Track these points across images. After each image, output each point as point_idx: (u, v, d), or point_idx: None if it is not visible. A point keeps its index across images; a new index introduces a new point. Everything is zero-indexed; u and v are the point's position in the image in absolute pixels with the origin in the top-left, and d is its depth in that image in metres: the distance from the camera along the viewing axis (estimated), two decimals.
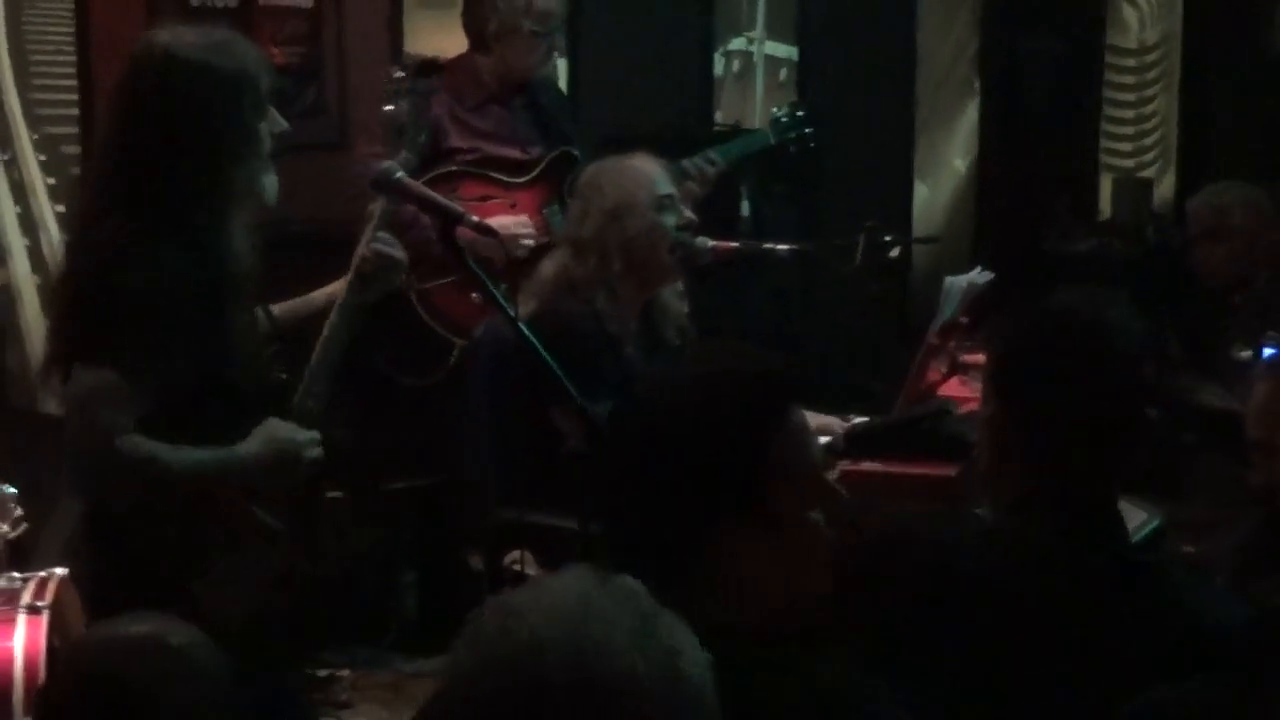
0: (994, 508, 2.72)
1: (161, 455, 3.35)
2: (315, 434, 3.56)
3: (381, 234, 3.82)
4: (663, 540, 2.19)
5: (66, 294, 3.51)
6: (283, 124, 3.59)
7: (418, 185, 3.81)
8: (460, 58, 5.66)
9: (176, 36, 3.51)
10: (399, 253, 3.83)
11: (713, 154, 5.62)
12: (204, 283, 3.43)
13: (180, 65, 3.47)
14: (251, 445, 3.48)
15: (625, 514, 2.31)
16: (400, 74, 4.19)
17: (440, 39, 6.38)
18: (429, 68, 4.23)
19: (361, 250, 3.80)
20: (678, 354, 4.70)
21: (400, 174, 3.77)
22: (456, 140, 5.47)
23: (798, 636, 2.22)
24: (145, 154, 3.45)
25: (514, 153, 5.52)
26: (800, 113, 5.96)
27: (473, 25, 5.57)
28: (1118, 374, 2.64)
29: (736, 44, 7.26)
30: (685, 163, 5.51)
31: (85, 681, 2.54)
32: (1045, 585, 2.53)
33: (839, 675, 2.17)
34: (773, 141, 5.94)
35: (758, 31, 7.30)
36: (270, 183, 3.56)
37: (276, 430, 3.52)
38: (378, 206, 3.87)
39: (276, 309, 3.79)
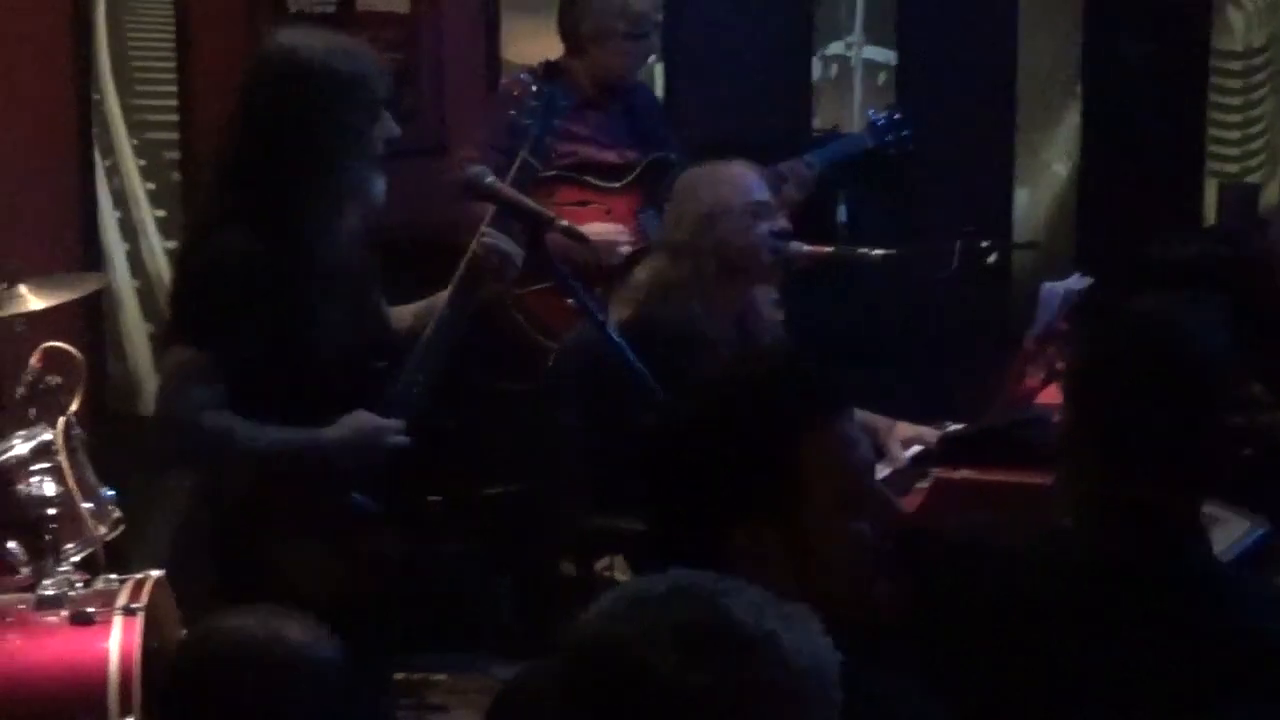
0: (1071, 517, 2.67)
1: (241, 430, 3.54)
2: (400, 423, 3.65)
3: (491, 229, 3.86)
4: (692, 542, 2.19)
5: (174, 275, 3.67)
6: (395, 130, 3.69)
7: (508, 189, 3.82)
8: (557, 61, 5.67)
9: (296, 38, 3.66)
10: (510, 247, 3.87)
11: (810, 158, 5.60)
12: (299, 275, 3.60)
13: (297, 65, 3.62)
14: (335, 429, 3.64)
15: (659, 514, 2.30)
16: (530, 80, 4.21)
17: (535, 45, 6.38)
18: (552, 70, 4.26)
19: (473, 246, 3.85)
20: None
21: (491, 178, 3.79)
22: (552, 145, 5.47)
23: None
24: (258, 149, 3.63)
25: (610, 157, 5.51)
26: (897, 115, 5.92)
27: (568, 28, 5.58)
28: (1195, 381, 2.58)
29: (835, 48, 7.22)
30: (782, 166, 5.50)
31: (203, 673, 2.59)
32: (1119, 598, 2.49)
33: (877, 682, 2.14)
34: (870, 145, 5.91)
35: (856, 36, 7.26)
36: (379, 185, 3.68)
37: (361, 417, 3.66)
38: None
39: (397, 311, 3.92)
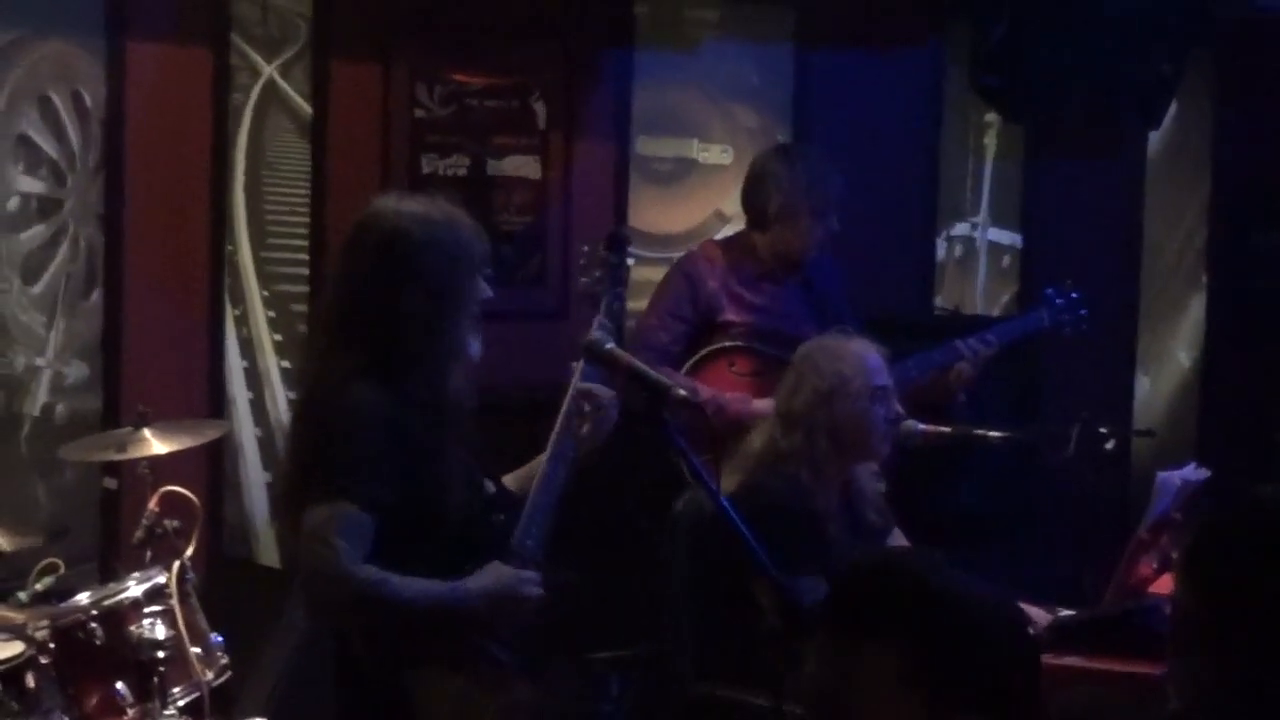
0: (1180, 702, 2.63)
1: (394, 583, 3.57)
2: (536, 574, 3.69)
3: (586, 374, 3.92)
4: None
5: (299, 436, 3.73)
6: (488, 292, 3.75)
7: (626, 355, 3.86)
8: (738, 234, 5.76)
9: (399, 204, 3.72)
10: (604, 391, 3.91)
11: (989, 335, 5.59)
12: (422, 429, 3.65)
13: (399, 232, 3.69)
14: (479, 580, 3.67)
15: None
16: (589, 248, 4.28)
17: (663, 215, 6.48)
18: (619, 241, 4.32)
19: (565, 402, 3.91)
20: (881, 536, 4.67)
21: (610, 344, 3.83)
22: (731, 314, 5.52)
23: None
24: (365, 310, 3.70)
25: (785, 329, 5.54)
26: (1075, 294, 5.89)
27: (753, 203, 5.64)
28: None
29: (960, 229, 7.25)
30: (959, 343, 5.51)
31: None
32: None
33: None
34: (1047, 325, 5.88)
35: (981, 217, 7.29)
36: (475, 343, 3.72)
37: (500, 567, 3.71)
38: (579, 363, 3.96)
39: (509, 477, 3.98)
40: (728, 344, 5.50)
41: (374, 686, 3.66)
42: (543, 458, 3.96)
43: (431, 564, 3.63)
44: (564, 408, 3.94)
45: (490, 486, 3.90)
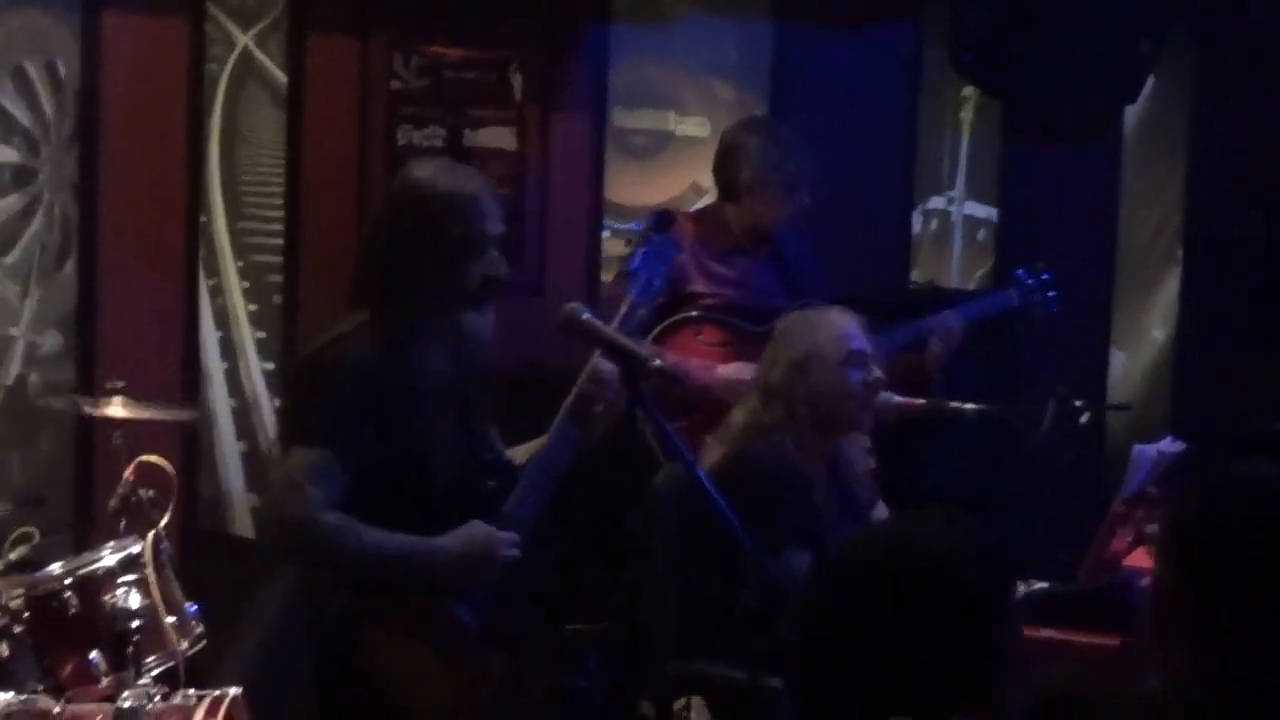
0: (1157, 680, 2.63)
1: (357, 530, 3.60)
2: (515, 536, 3.69)
3: (602, 373, 3.93)
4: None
5: (293, 389, 3.77)
6: (503, 267, 3.77)
7: (605, 327, 3.86)
8: (709, 206, 5.78)
9: (423, 171, 3.85)
10: (613, 389, 3.93)
11: (957, 313, 5.60)
12: (409, 389, 3.72)
13: (421, 194, 3.81)
14: (450, 538, 3.71)
15: (829, 684, 2.26)
16: (638, 227, 4.30)
17: (639, 188, 6.46)
18: (666, 221, 4.34)
19: (582, 379, 3.92)
20: (866, 511, 4.68)
21: (587, 314, 3.82)
22: (699, 285, 5.53)
23: None
24: (373, 270, 3.81)
25: (755, 302, 5.55)
26: (1046, 275, 5.90)
27: (723, 175, 5.65)
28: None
29: (936, 203, 7.25)
30: (929, 321, 5.52)
31: None
32: None
33: None
34: (1017, 304, 5.89)
35: (958, 191, 7.28)
36: (476, 318, 3.85)
37: (475, 529, 3.74)
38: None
39: (519, 449, 4.03)
40: (695, 314, 5.50)
41: (338, 646, 3.67)
42: (545, 438, 3.98)
43: (415, 525, 3.65)
44: (574, 391, 3.95)
45: (489, 454, 3.91)
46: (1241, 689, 2.50)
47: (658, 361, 3.72)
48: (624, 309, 4.10)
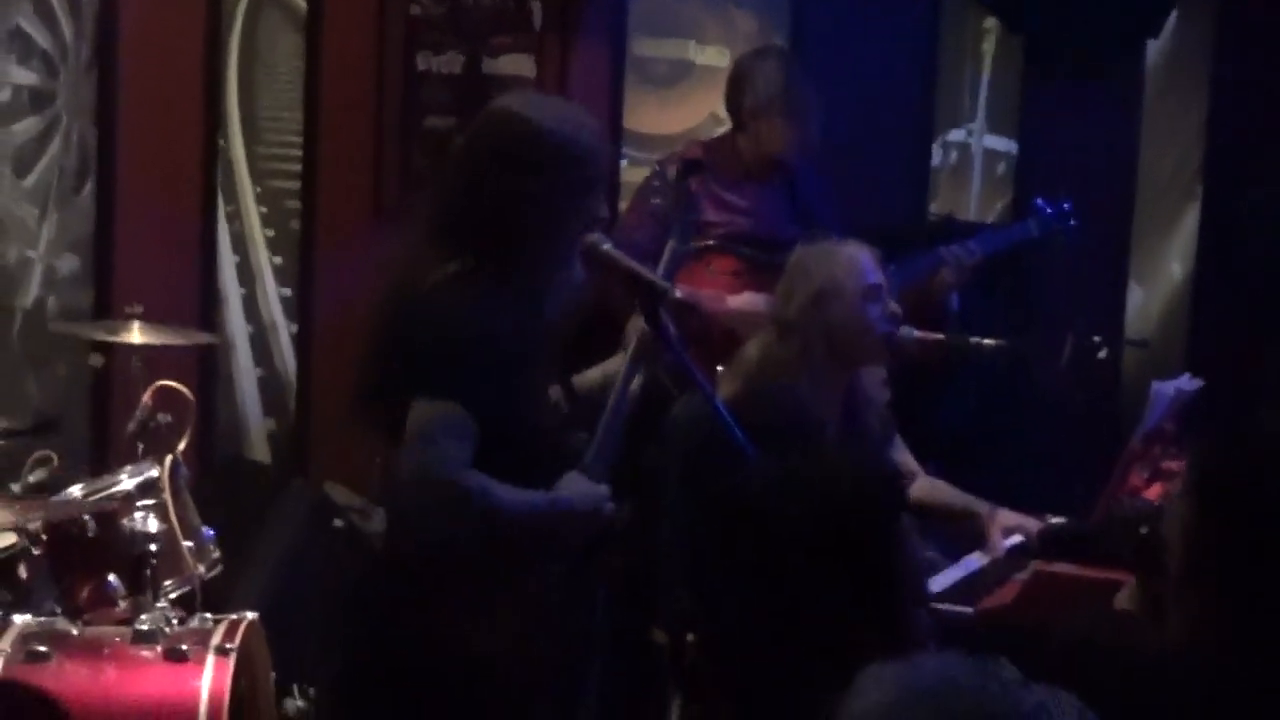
0: (1180, 618, 2.62)
1: (498, 490, 3.51)
2: (608, 490, 3.69)
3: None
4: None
5: (399, 331, 3.62)
6: (604, 211, 3.75)
7: (624, 257, 3.83)
8: (722, 136, 5.78)
9: (528, 105, 3.69)
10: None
11: (973, 244, 5.57)
12: (529, 336, 3.59)
13: (529, 133, 3.61)
14: (564, 495, 3.62)
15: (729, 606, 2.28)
16: (662, 169, 4.26)
17: (658, 117, 6.44)
18: (693, 167, 4.30)
19: (641, 327, 3.86)
20: (881, 446, 4.68)
21: (607, 245, 3.80)
22: (710, 214, 5.51)
23: None
24: (480, 210, 3.60)
25: (766, 232, 5.55)
26: (1067, 205, 5.86)
27: (732, 103, 5.66)
28: None
29: (955, 135, 7.23)
30: (943, 251, 5.50)
31: None
32: (1228, 715, 2.44)
33: None
34: (1036, 235, 5.86)
35: (978, 124, 7.27)
36: (580, 263, 3.70)
37: (583, 481, 3.66)
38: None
39: (581, 377, 3.99)
40: (706, 244, 5.50)
41: (419, 608, 3.60)
42: (611, 364, 3.95)
43: (517, 475, 3.57)
44: (635, 339, 3.89)
45: (564, 403, 3.87)
46: (1265, 638, 2.50)
47: (678, 292, 3.70)
48: (666, 256, 4.01)
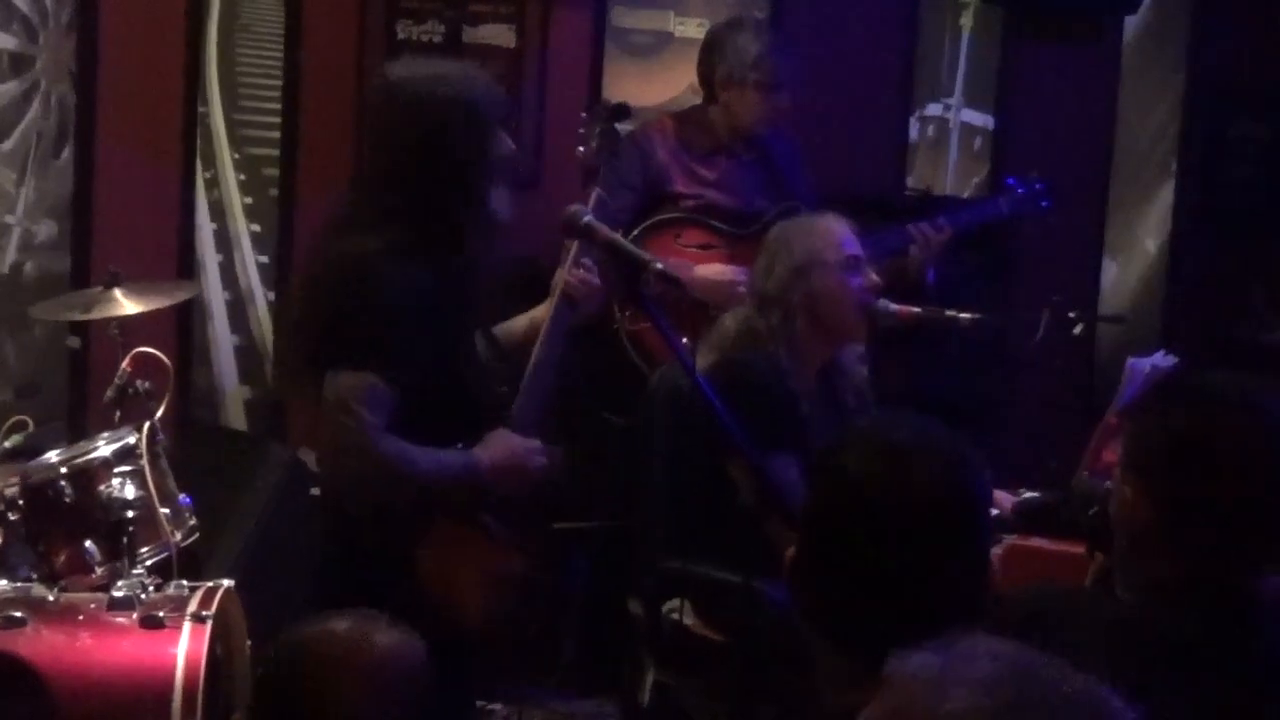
0: (1129, 591, 2.64)
1: (414, 454, 3.56)
2: (540, 444, 3.68)
3: (584, 260, 3.91)
4: (868, 630, 2.17)
5: (320, 302, 3.68)
6: (511, 146, 3.72)
7: (606, 230, 3.85)
8: (694, 107, 5.78)
9: (415, 69, 3.68)
10: (596, 279, 3.92)
11: (942, 220, 5.58)
12: (446, 297, 3.63)
13: (422, 99, 3.66)
14: (490, 451, 3.67)
15: (821, 588, 2.26)
16: (589, 117, 4.26)
17: (639, 88, 6.44)
18: (620, 112, 4.31)
19: (565, 275, 3.89)
20: (855, 417, 4.69)
21: (589, 218, 3.82)
22: (681, 186, 5.53)
23: None
24: (398, 181, 3.66)
25: (737, 204, 5.55)
26: (1039, 185, 5.87)
27: (704, 75, 5.66)
28: (1268, 462, 2.54)
29: (933, 109, 7.23)
30: (913, 228, 5.50)
31: (292, 673, 2.66)
32: (1180, 678, 2.45)
33: None
34: (1006, 213, 5.87)
35: (955, 98, 7.27)
36: (503, 200, 3.70)
37: (509, 439, 3.71)
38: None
39: (505, 326, 4.01)
40: (676, 215, 5.50)
41: (369, 562, 3.64)
42: (537, 311, 3.97)
43: (440, 435, 3.62)
44: (559, 286, 3.92)
45: (488, 355, 3.89)
46: (1223, 601, 2.52)
47: (659, 265, 3.71)
48: (592, 202, 4.04)
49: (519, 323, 4.01)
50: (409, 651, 2.68)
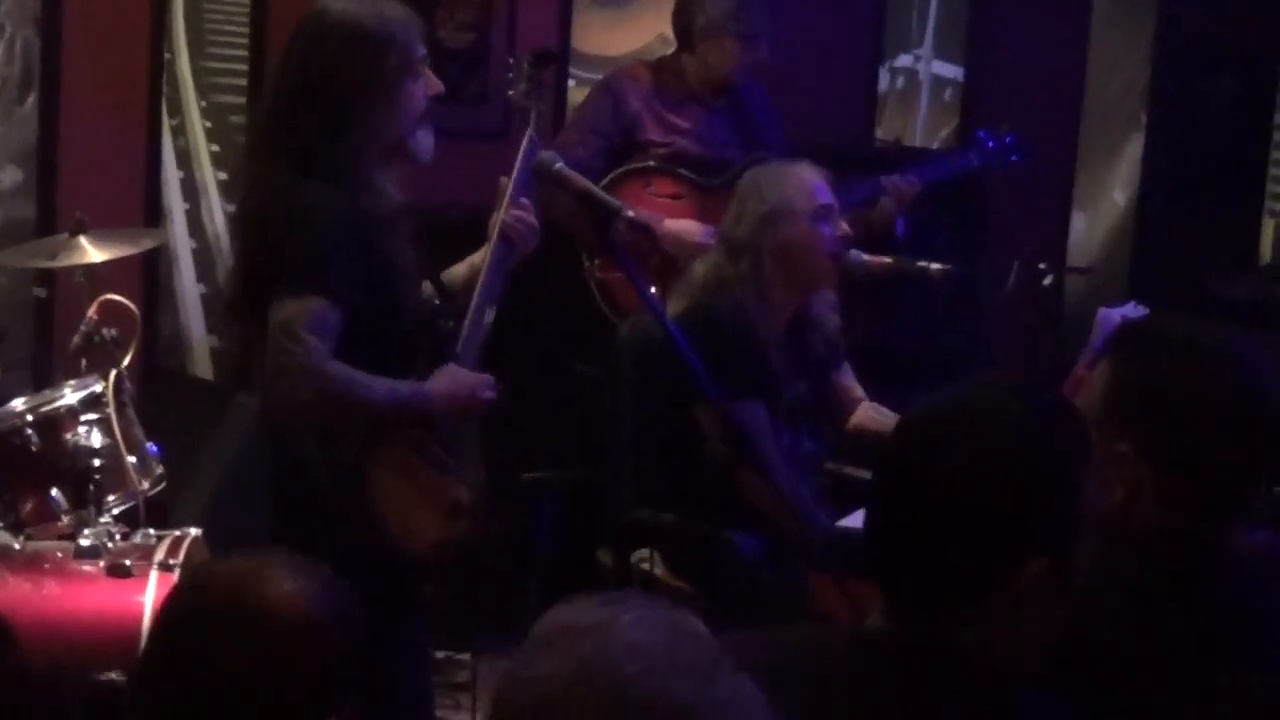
0: (1121, 540, 2.63)
1: (361, 380, 3.56)
2: (490, 377, 3.69)
3: (521, 200, 3.90)
4: (952, 576, 2.16)
5: (253, 237, 3.70)
6: (438, 85, 3.72)
7: (577, 176, 3.84)
8: (668, 56, 5.77)
9: (331, 4, 3.69)
10: (533, 218, 3.91)
11: (913, 174, 5.57)
12: (374, 231, 3.64)
13: (330, 26, 3.68)
14: (439, 383, 3.69)
15: (907, 541, 2.25)
16: (515, 62, 4.23)
17: (609, 37, 6.41)
18: (545, 58, 4.29)
19: (501, 216, 3.88)
20: (826, 369, 4.69)
21: (560, 164, 3.81)
22: (653, 134, 5.52)
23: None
24: (296, 105, 3.67)
25: (708, 154, 5.54)
26: (1010, 139, 5.86)
27: (680, 24, 5.64)
28: (1254, 415, 2.52)
29: (903, 61, 7.22)
30: (884, 180, 5.49)
31: (187, 606, 2.29)
32: (1153, 627, 2.46)
33: None
34: (975, 166, 5.86)
35: (925, 50, 7.25)
36: (424, 140, 3.69)
37: (459, 371, 3.72)
38: (510, 177, 3.93)
39: (449, 272, 3.99)
40: (647, 164, 5.49)
41: (321, 488, 3.64)
42: (476, 257, 3.96)
43: (383, 367, 3.63)
44: (499, 221, 3.91)
45: (432, 290, 3.89)
46: (1191, 550, 2.52)
47: (630, 213, 3.70)
48: (524, 146, 4.02)
49: (459, 269, 4.01)
50: (310, 606, 2.20)
